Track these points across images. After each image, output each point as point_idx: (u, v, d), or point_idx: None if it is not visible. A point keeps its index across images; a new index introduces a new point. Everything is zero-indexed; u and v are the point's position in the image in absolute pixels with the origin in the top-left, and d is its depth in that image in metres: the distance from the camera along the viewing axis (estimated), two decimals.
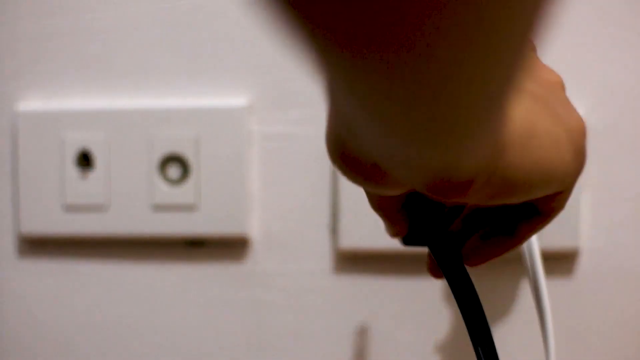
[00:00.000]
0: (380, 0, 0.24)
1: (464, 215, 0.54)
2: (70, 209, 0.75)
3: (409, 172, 0.38)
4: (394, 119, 0.32)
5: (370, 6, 0.24)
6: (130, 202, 0.74)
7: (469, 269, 0.53)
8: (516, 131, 0.40)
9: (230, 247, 0.75)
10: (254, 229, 0.74)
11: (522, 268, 0.68)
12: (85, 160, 0.75)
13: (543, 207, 0.48)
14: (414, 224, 0.51)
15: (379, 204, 0.51)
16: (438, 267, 0.50)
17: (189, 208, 0.74)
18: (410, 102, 0.30)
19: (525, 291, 0.72)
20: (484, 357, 0.48)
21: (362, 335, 0.74)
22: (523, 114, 0.41)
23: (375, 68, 0.27)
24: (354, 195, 0.72)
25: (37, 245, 0.77)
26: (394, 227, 0.52)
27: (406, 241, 0.51)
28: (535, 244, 0.62)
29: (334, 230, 0.73)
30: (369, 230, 0.72)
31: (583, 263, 0.72)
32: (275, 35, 0.26)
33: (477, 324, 0.48)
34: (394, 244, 0.73)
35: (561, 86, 0.48)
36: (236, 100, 0.74)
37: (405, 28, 0.25)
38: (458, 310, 0.73)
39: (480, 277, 0.73)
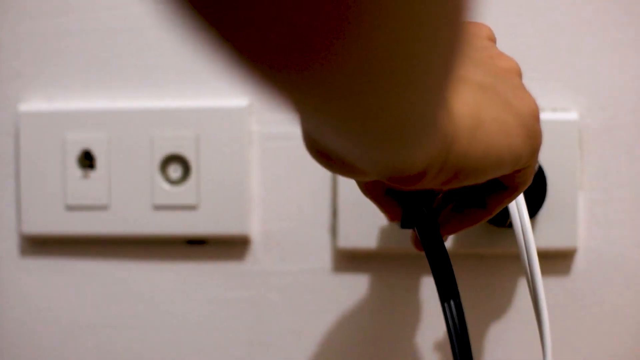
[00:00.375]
0: (287, 26, 0.26)
1: (443, 191, 0.58)
2: (72, 208, 0.75)
3: (368, 167, 0.42)
4: (338, 128, 0.34)
5: (283, 32, 0.26)
6: (131, 201, 0.75)
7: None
8: (463, 124, 0.43)
9: (230, 247, 0.75)
10: (254, 229, 0.75)
11: (519, 267, 0.68)
12: (86, 160, 0.75)
13: (508, 183, 0.52)
14: (406, 208, 0.54)
15: (365, 188, 0.54)
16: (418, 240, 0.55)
17: (189, 208, 0.74)
18: (347, 115, 0.32)
19: (522, 290, 0.73)
20: (450, 312, 0.52)
21: (361, 334, 0.74)
22: (470, 107, 0.44)
23: (303, 85, 0.29)
24: (354, 195, 0.72)
25: (39, 245, 0.77)
26: (386, 211, 0.56)
27: (403, 225, 0.55)
28: (532, 243, 0.62)
29: (334, 230, 0.74)
30: (368, 230, 0.72)
31: (580, 262, 0.72)
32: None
33: (446, 283, 0.53)
34: (394, 244, 0.73)
35: (516, 72, 0.50)
36: (236, 100, 0.74)
37: (316, 46, 0.26)
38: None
39: (478, 276, 0.73)
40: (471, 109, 0.44)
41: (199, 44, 0.27)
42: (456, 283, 0.53)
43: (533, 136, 0.48)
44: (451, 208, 0.56)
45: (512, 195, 0.53)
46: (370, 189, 0.55)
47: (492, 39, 0.52)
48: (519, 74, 0.50)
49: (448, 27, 0.31)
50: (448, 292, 0.53)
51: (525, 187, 0.53)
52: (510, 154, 0.47)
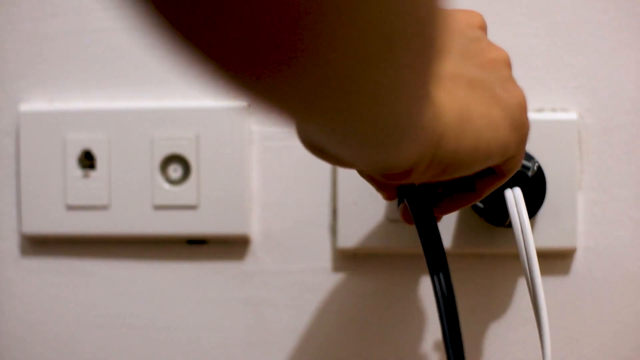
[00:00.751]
0: (254, 35, 0.26)
1: None
2: (72, 208, 0.75)
3: (358, 163, 0.44)
4: (319, 132, 0.36)
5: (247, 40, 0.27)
6: (131, 201, 0.75)
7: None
8: (451, 121, 0.44)
9: (230, 247, 0.75)
10: (254, 229, 0.75)
11: (519, 266, 0.68)
12: (87, 160, 0.76)
13: (496, 170, 0.53)
14: (400, 189, 0.56)
15: (360, 170, 0.55)
16: (409, 213, 0.56)
17: (189, 207, 0.74)
18: (322, 121, 0.34)
19: (521, 289, 0.73)
20: (439, 285, 0.53)
21: (361, 334, 0.74)
22: (458, 103, 0.45)
23: (274, 92, 0.30)
24: (354, 195, 0.72)
25: (40, 245, 0.77)
26: (382, 190, 0.57)
27: (399, 201, 0.58)
28: (532, 243, 0.63)
29: (334, 230, 0.74)
30: (369, 230, 0.72)
31: (579, 262, 0.72)
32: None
33: (436, 256, 0.54)
34: (394, 244, 0.73)
35: (505, 63, 0.51)
36: (236, 100, 0.74)
37: (275, 59, 0.28)
38: (459, 310, 0.73)
39: (477, 276, 0.73)
40: (460, 106, 0.45)
41: (165, 46, 0.28)
42: (445, 256, 0.54)
43: (520, 128, 0.50)
44: (441, 191, 0.58)
45: (501, 180, 0.55)
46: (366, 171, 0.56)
47: (484, 27, 0.53)
48: (509, 65, 0.52)
49: (421, 35, 0.32)
50: (437, 265, 0.54)
51: (513, 173, 0.55)
52: (497, 148, 0.48)
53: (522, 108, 0.50)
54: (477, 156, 0.47)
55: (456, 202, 0.57)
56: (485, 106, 0.47)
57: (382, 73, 0.31)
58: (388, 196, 0.57)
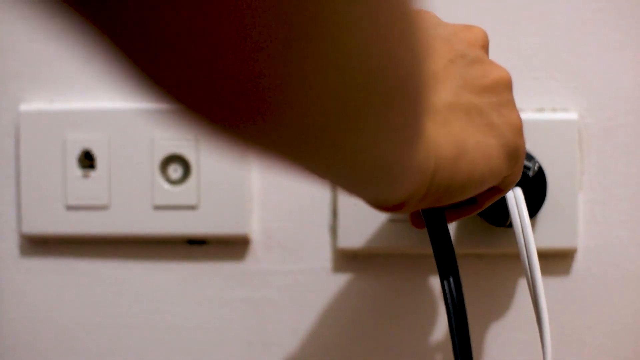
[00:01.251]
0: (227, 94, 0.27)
1: None
2: (72, 208, 0.75)
3: (354, 196, 0.44)
4: (312, 172, 0.36)
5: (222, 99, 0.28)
6: (131, 201, 0.75)
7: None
8: (446, 156, 0.45)
9: (230, 247, 0.75)
10: (254, 229, 0.75)
11: (519, 267, 0.68)
12: (87, 160, 0.76)
13: (495, 186, 0.54)
14: None
15: None
16: (419, 218, 0.58)
17: (189, 207, 0.74)
18: (307, 166, 0.34)
19: (522, 289, 0.73)
20: (449, 289, 0.54)
21: (361, 334, 0.74)
22: (454, 137, 0.46)
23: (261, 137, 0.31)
24: None
25: (40, 245, 0.77)
26: (410, 220, 0.59)
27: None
28: (532, 243, 0.63)
29: (334, 230, 0.74)
30: (368, 230, 0.72)
31: (580, 262, 0.72)
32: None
33: (447, 260, 0.55)
34: (394, 244, 0.73)
35: (505, 85, 0.51)
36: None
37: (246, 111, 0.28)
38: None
39: (478, 276, 0.73)
40: (455, 140, 0.46)
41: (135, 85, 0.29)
42: (456, 261, 0.55)
43: (514, 154, 0.51)
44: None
45: (501, 193, 0.56)
46: None
47: (485, 45, 0.53)
48: (509, 87, 0.52)
49: (403, 86, 0.33)
50: (448, 270, 0.55)
51: (513, 186, 0.56)
52: (491, 175, 0.49)
53: (518, 132, 0.51)
54: (471, 186, 0.48)
55: (459, 213, 0.58)
56: (480, 134, 0.48)
57: (360, 126, 0.32)
58: (415, 224, 0.59)
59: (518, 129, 0.51)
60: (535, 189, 0.68)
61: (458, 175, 0.46)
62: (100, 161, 0.75)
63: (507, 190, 0.55)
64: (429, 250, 0.71)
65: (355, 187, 0.40)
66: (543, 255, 0.69)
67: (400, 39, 0.30)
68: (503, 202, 0.64)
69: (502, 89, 0.50)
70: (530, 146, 0.70)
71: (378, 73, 0.30)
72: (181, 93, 0.28)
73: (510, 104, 0.51)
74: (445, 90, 0.47)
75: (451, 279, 0.54)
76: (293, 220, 0.75)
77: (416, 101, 0.35)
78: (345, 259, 0.74)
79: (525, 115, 0.71)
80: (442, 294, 0.54)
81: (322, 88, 0.28)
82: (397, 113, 0.33)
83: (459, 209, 0.58)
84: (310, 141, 0.31)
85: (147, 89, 0.28)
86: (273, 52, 0.26)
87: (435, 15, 0.54)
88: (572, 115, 0.71)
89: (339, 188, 0.40)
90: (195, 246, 0.76)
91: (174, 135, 0.74)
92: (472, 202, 0.57)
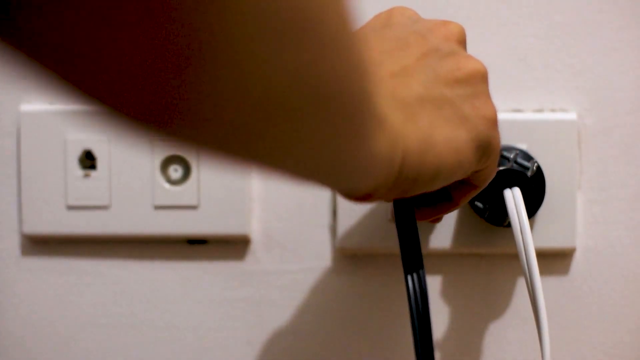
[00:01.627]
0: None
1: None
2: (73, 208, 0.76)
3: (326, 187, 0.45)
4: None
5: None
6: (132, 201, 0.75)
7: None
8: (413, 149, 0.45)
9: (230, 247, 0.75)
10: (254, 229, 0.75)
11: (518, 266, 0.68)
12: (88, 160, 0.76)
13: (468, 182, 0.54)
14: None
15: None
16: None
17: (190, 207, 0.74)
18: (280, 163, 0.35)
19: (520, 289, 0.73)
20: (413, 285, 0.54)
21: (361, 334, 0.74)
22: (422, 131, 0.46)
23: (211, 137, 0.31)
24: None
25: (40, 245, 0.77)
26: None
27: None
28: (531, 243, 0.63)
29: (334, 230, 0.74)
30: (368, 230, 0.72)
31: (578, 262, 0.72)
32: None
33: (412, 256, 0.55)
34: (393, 244, 0.73)
35: (481, 77, 0.51)
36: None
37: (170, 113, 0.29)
38: (458, 310, 0.73)
39: (476, 276, 0.73)
40: (423, 132, 0.46)
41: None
42: (422, 255, 0.55)
43: (486, 146, 0.50)
44: (419, 200, 0.58)
45: (475, 190, 0.56)
46: None
47: (462, 39, 0.53)
48: (484, 79, 0.52)
49: (339, 90, 0.34)
50: (413, 265, 0.55)
51: (487, 184, 0.55)
52: (460, 169, 0.49)
53: (491, 124, 0.51)
54: (439, 178, 0.48)
55: (435, 210, 0.58)
56: (450, 128, 0.48)
57: (294, 126, 0.32)
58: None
59: (492, 121, 0.51)
60: (534, 189, 0.68)
61: (425, 167, 0.47)
62: (100, 161, 0.75)
63: (482, 186, 0.55)
64: (428, 250, 0.72)
65: (320, 180, 0.41)
66: (542, 255, 0.69)
67: (326, 46, 0.30)
68: (502, 202, 0.64)
69: (476, 81, 0.50)
70: (529, 146, 0.70)
71: (297, 80, 0.30)
72: (102, 97, 0.29)
73: (484, 95, 0.51)
74: (416, 83, 0.48)
75: (415, 275, 0.54)
76: (293, 220, 0.75)
77: (358, 100, 0.35)
78: (345, 259, 0.74)
79: (524, 116, 0.71)
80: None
81: (235, 93, 0.29)
82: (335, 113, 0.34)
83: (434, 207, 0.58)
84: (246, 139, 0.31)
85: (60, 89, 0.29)
86: (180, 62, 0.27)
87: (413, 12, 0.54)
88: (571, 116, 0.71)
89: (306, 182, 0.41)
90: (196, 246, 0.76)
91: None
92: (448, 199, 0.57)
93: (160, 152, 0.74)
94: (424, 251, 0.70)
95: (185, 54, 0.26)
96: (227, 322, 0.76)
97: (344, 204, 0.72)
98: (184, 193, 0.74)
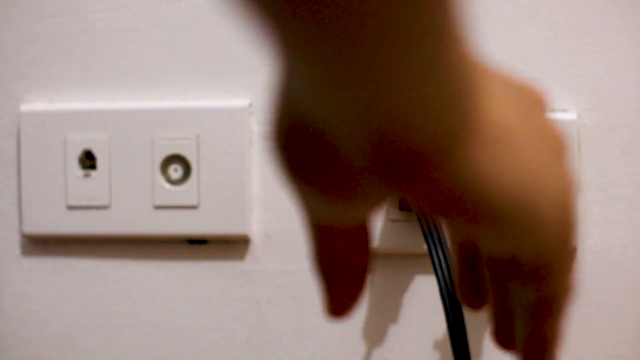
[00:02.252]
0: None
1: None
2: (73, 208, 0.76)
3: None
4: None
5: None
6: (132, 201, 0.75)
7: None
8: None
9: (230, 246, 0.76)
10: (254, 229, 0.75)
11: None
12: (88, 160, 0.76)
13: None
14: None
15: None
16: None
17: (190, 207, 0.74)
18: None
19: None
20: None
21: (361, 334, 0.74)
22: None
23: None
24: None
25: (40, 244, 0.78)
26: None
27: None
28: None
29: None
30: None
31: (578, 262, 0.72)
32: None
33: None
34: (393, 244, 0.73)
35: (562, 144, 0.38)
36: (237, 100, 0.75)
37: None
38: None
39: None
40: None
41: None
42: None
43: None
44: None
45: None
46: None
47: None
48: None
49: None
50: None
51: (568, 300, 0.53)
52: None
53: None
54: None
55: None
56: None
57: None
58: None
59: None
60: None
61: None
62: (100, 161, 0.75)
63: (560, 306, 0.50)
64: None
65: None
66: None
67: None
68: None
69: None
70: None
71: None
72: None
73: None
74: None
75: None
76: (293, 220, 0.75)
77: None
78: None
79: None
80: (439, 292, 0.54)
81: None
82: None
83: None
84: None
85: None
86: None
87: None
88: (572, 116, 0.71)
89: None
90: (196, 246, 0.76)
91: (174, 135, 0.74)
92: None
93: (160, 152, 0.74)
94: (424, 251, 0.70)
95: None
96: (226, 322, 0.76)
97: None
98: (184, 193, 0.74)
